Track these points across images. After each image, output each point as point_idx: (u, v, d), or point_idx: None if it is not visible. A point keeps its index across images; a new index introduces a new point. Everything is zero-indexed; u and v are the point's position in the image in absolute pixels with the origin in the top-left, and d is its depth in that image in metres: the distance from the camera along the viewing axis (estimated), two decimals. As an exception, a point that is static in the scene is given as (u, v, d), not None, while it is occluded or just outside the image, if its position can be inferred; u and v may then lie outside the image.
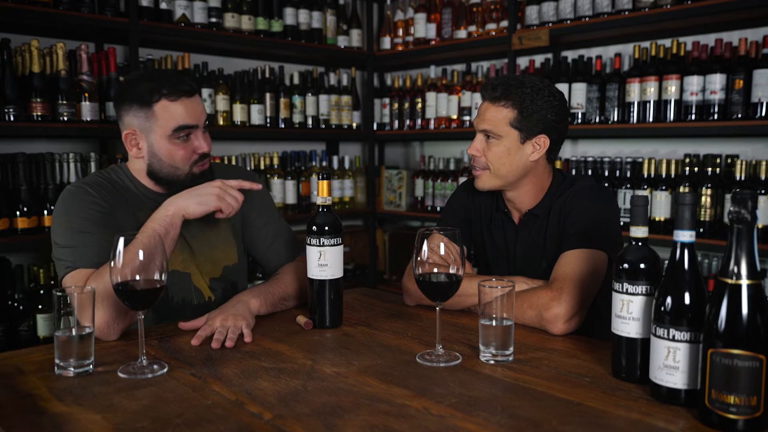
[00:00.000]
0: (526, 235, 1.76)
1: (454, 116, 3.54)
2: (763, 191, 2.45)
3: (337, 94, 3.72)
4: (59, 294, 1.22)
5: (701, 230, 2.58)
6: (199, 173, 1.68)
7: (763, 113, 2.46)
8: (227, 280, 1.81)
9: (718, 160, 2.67)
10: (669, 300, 1.05)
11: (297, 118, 3.53)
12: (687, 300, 1.04)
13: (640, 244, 1.16)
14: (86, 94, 2.70)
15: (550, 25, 3.03)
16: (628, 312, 1.16)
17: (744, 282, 0.95)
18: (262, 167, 3.44)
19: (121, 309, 1.44)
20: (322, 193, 1.54)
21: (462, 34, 3.48)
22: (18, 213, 2.54)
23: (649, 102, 2.74)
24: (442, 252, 1.33)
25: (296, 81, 3.61)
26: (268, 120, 3.40)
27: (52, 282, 2.67)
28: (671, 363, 1.05)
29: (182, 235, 1.71)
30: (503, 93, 1.65)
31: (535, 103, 1.64)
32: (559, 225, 1.68)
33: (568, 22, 2.96)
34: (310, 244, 1.53)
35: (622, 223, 1.72)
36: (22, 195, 2.56)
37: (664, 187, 2.70)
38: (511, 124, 1.65)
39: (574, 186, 1.71)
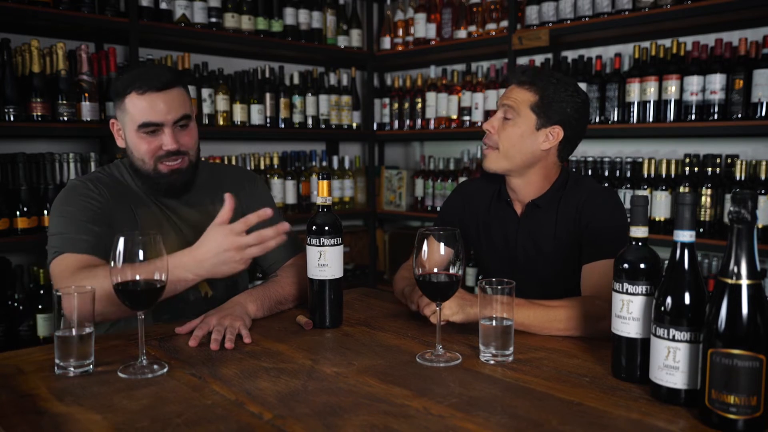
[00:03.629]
0: (529, 228, 1.75)
1: (454, 116, 3.53)
2: (763, 191, 2.45)
3: (337, 94, 3.72)
4: (59, 294, 1.22)
5: (701, 230, 2.58)
6: (167, 171, 1.67)
7: (763, 113, 2.46)
8: (230, 276, 1.80)
9: (718, 160, 2.67)
10: (669, 300, 1.05)
11: (297, 118, 3.53)
12: (687, 300, 1.04)
13: (640, 244, 1.16)
14: (86, 94, 2.70)
15: (550, 25, 3.02)
16: (628, 312, 1.16)
17: (744, 282, 0.95)
18: (262, 167, 3.43)
19: (106, 311, 1.45)
20: (322, 193, 1.54)
21: (462, 34, 3.48)
22: (18, 213, 2.54)
23: (649, 102, 2.74)
24: (442, 252, 1.33)
25: (296, 81, 3.61)
26: (268, 120, 3.40)
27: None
28: (671, 363, 1.05)
29: (183, 233, 1.72)
30: (530, 77, 1.69)
31: (558, 93, 1.66)
32: (574, 227, 1.67)
33: (568, 22, 2.96)
34: (310, 244, 1.52)
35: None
36: (22, 195, 2.56)
37: (664, 187, 2.70)
38: (531, 107, 1.67)
39: (584, 186, 1.71)
